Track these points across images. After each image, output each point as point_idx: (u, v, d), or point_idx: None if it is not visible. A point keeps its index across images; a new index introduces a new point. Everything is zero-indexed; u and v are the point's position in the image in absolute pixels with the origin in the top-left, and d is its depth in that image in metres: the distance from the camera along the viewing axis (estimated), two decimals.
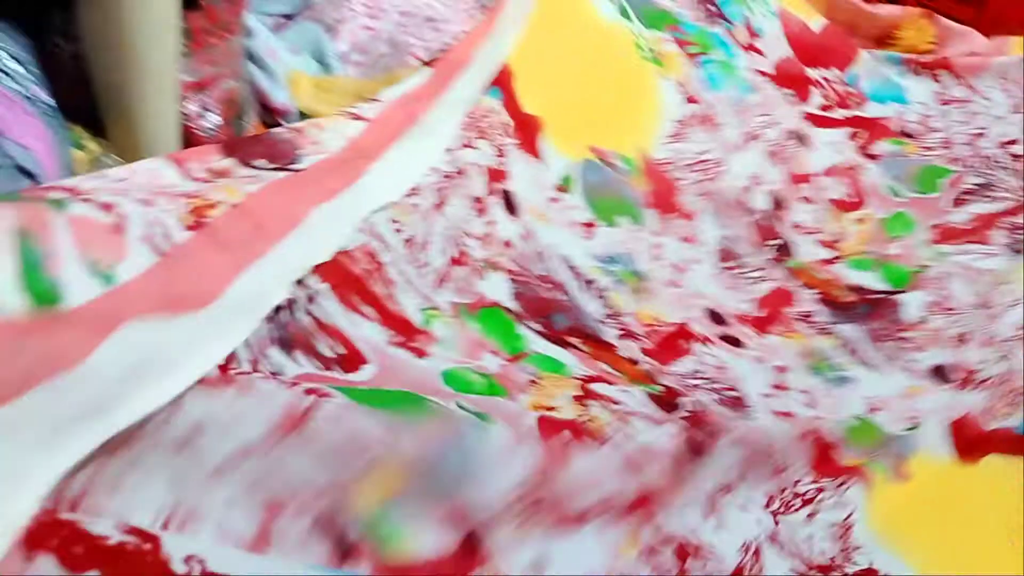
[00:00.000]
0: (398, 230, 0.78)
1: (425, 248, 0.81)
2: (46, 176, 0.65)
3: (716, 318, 0.99)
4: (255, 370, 0.60)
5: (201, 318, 0.56)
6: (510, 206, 0.94)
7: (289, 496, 0.56)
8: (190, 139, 0.87)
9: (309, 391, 0.58)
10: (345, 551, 0.56)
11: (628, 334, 0.90)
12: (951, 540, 0.80)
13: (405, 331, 0.72)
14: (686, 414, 0.77)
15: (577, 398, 0.73)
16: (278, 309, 0.64)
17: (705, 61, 1.26)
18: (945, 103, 1.40)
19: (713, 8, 1.36)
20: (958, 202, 1.25)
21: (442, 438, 0.61)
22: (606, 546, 0.64)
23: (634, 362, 0.86)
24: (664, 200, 1.07)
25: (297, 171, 0.68)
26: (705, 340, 0.93)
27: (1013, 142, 1.32)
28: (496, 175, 0.94)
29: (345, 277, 0.70)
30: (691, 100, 1.19)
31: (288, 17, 1.38)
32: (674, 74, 1.20)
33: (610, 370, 0.82)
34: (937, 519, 0.82)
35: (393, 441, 0.59)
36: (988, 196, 1.25)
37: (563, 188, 1.00)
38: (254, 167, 0.66)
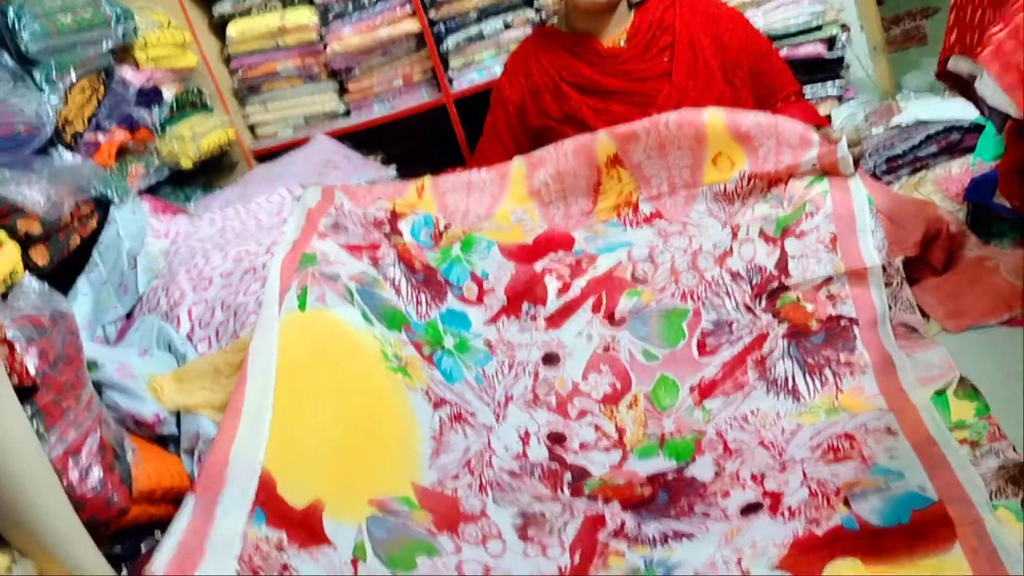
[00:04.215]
0: None
1: None
2: None
3: None
4: None
5: None
6: None
7: None
8: (85, 506, 0.94)
9: None
10: None
11: None
12: None
13: None
14: None
15: None
16: None
17: (438, 360, 1.37)
18: (666, 236, 1.54)
19: (431, 289, 1.48)
20: (702, 348, 1.37)
21: None
22: None
23: None
24: (449, 519, 1.14)
25: None
26: None
27: (728, 253, 1.46)
28: None
29: None
30: (438, 404, 1.29)
31: (129, 316, 1.51)
32: (419, 382, 1.30)
33: None
34: None
35: None
36: (727, 339, 1.37)
37: (357, 559, 1.04)
38: None
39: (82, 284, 1.56)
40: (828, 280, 1.33)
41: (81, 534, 0.92)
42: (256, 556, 0.97)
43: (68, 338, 1.05)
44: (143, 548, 1.05)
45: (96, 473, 0.98)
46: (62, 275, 1.53)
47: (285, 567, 0.98)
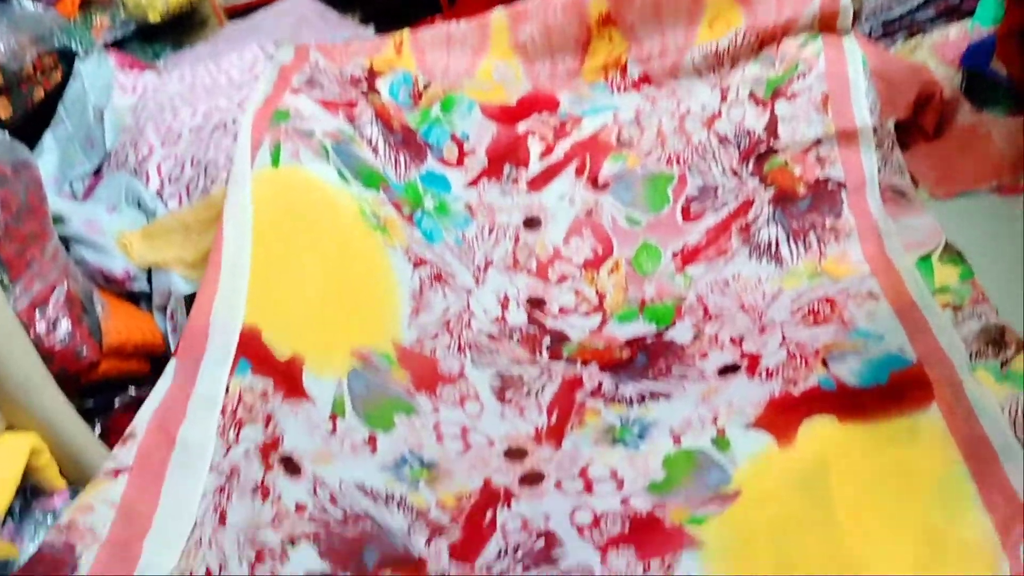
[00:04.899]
0: None
1: (223, 569, 0.82)
2: None
3: (515, 454, 1.07)
4: None
5: None
6: (292, 467, 0.96)
7: None
8: (53, 358, 0.93)
9: None
10: None
11: (436, 530, 0.96)
12: (801, 527, 0.86)
13: None
14: None
15: None
16: None
17: (418, 220, 1.34)
18: (654, 101, 1.50)
19: (410, 150, 1.44)
20: (686, 214, 1.35)
21: None
22: None
23: None
24: (427, 380, 1.14)
25: None
26: (507, 498, 1.00)
27: (716, 116, 1.42)
28: (269, 448, 0.96)
29: None
30: (418, 264, 1.27)
31: (97, 172, 1.48)
32: (399, 241, 1.28)
33: None
34: (780, 515, 0.89)
35: None
36: (712, 204, 1.34)
37: (336, 415, 1.04)
38: None
39: (48, 140, 1.51)
40: (818, 142, 1.29)
41: (49, 383, 0.90)
42: (240, 408, 0.97)
43: (31, 188, 1.01)
44: (116, 403, 1.04)
45: (64, 325, 0.96)
46: (28, 132, 1.47)
47: (269, 418, 0.98)
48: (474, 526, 0.97)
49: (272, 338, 1.05)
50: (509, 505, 0.99)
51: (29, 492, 0.89)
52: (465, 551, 0.94)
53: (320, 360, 1.08)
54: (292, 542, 0.89)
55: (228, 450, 0.93)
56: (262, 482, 0.93)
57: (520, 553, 0.93)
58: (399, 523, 0.96)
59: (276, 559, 0.87)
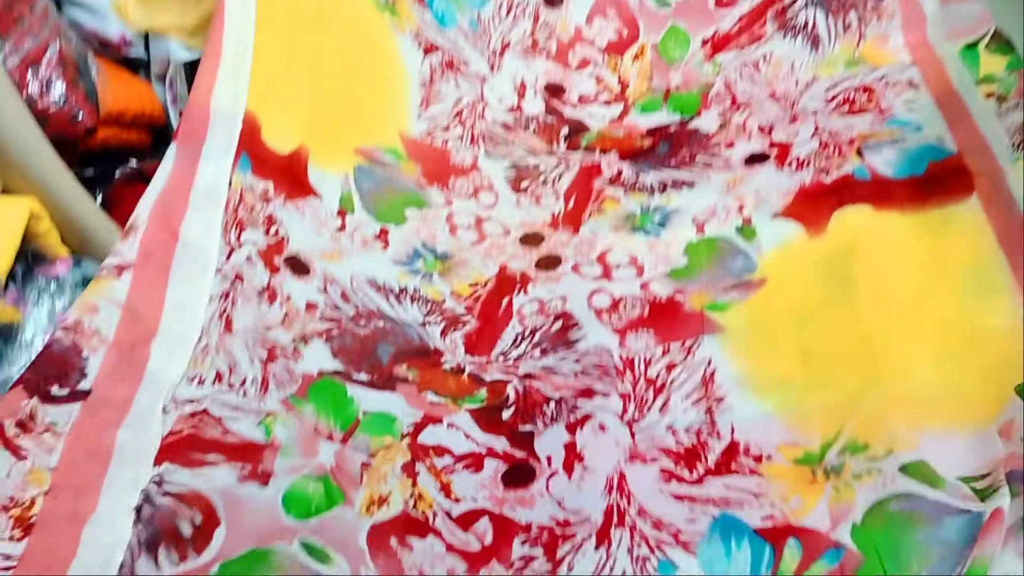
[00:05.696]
0: (201, 381, 0.78)
1: (234, 372, 0.81)
2: None
3: (531, 240, 1.04)
4: None
5: None
6: (299, 268, 0.93)
7: None
8: (48, 121, 0.89)
9: None
10: None
11: (451, 321, 0.94)
12: (824, 312, 0.85)
13: (250, 456, 0.77)
14: (511, 412, 0.84)
15: (406, 467, 0.78)
16: (139, 509, 0.69)
17: (429, 1, 1.24)
18: None
19: None
20: None
21: None
22: None
23: (459, 370, 0.89)
24: (439, 171, 1.09)
25: (87, 395, 0.72)
26: (524, 283, 0.98)
27: None
28: (273, 252, 0.93)
29: (178, 446, 0.74)
30: (429, 50, 1.19)
31: None
32: (408, 24, 1.19)
33: (437, 399, 0.86)
34: (803, 301, 0.87)
35: None
36: None
37: (344, 211, 1.01)
38: (54, 399, 0.71)
39: None
40: None
41: (44, 145, 0.86)
42: (241, 208, 0.92)
43: None
44: (117, 174, 1.00)
45: (59, 87, 0.90)
46: None
47: (270, 220, 0.94)
48: (490, 314, 0.95)
49: (271, 134, 0.98)
50: (526, 290, 0.97)
51: (31, 258, 0.86)
52: (481, 341, 0.93)
53: (323, 154, 1.03)
54: (304, 340, 0.87)
55: (231, 252, 0.89)
56: (268, 285, 0.90)
57: (538, 336, 0.92)
58: (413, 316, 0.94)
59: (288, 357, 0.85)
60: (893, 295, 0.84)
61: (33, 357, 0.74)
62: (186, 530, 0.69)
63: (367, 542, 0.72)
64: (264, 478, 0.75)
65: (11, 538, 0.64)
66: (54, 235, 0.87)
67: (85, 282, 0.85)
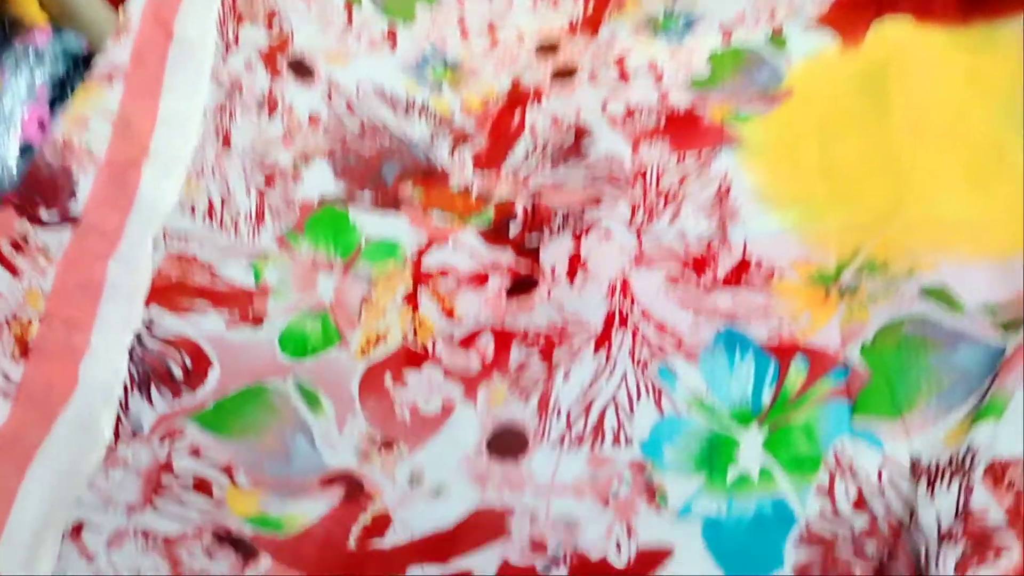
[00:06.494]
0: (193, 209, 0.76)
1: (230, 201, 0.79)
2: None
3: (547, 50, 0.99)
4: (116, 436, 0.66)
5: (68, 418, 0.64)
6: (303, 71, 0.90)
7: (181, 531, 0.64)
8: None
9: (164, 437, 0.67)
10: (247, 553, 0.63)
11: (460, 138, 0.91)
12: (852, 128, 0.81)
13: (238, 301, 0.75)
14: (518, 227, 0.82)
15: (408, 298, 0.77)
16: (131, 351, 0.69)
17: None
18: None
19: None
20: None
21: (283, 441, 0.68)
22: (469, 430, 0.70)
23: (467, 191, 0.87)
24: None
25: (77, 221, 0.71)
26: (537, 96, 0.94)
27: None
28: (276, 51, 0.89)
29: (166, 291, 0.72)
30: None
31: None
32: None
33: (442, 217, 0.84)
34: (831, 115, 0.83)
35: (244, 461, 0.67)
36: None
37: (351, 3, 0.96)
38: (43, 223, 0.70)
39: None
40: None
41: None
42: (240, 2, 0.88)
43: None
44: None
45: None
46: None
47: (272, 15, 0.90)
48: (501, 131, 0.92)
49: None
50: (539, 103, 0.93)
51: (8, 26, 0.82)
52: (491, 158, 0.90)
53: None
54: (305, 159, 0.84)
55: (228, 52, 0.85)
56: (269, 92, 0.86)
57: (549, 148, 0.89)
58: (421, 132, 0.91)
59: (288, 180, 0.83)
60: (927, 115, 0.79)
61: (12, 130, 0.73)
62: (177, 372, 0.70)
63: (359, 386, 0.72)
64: (257, 320, 0.74)
65: (12, 356, 0.64)
66: (32, 0, 0.82)
67: (65, 55, 0.82)
